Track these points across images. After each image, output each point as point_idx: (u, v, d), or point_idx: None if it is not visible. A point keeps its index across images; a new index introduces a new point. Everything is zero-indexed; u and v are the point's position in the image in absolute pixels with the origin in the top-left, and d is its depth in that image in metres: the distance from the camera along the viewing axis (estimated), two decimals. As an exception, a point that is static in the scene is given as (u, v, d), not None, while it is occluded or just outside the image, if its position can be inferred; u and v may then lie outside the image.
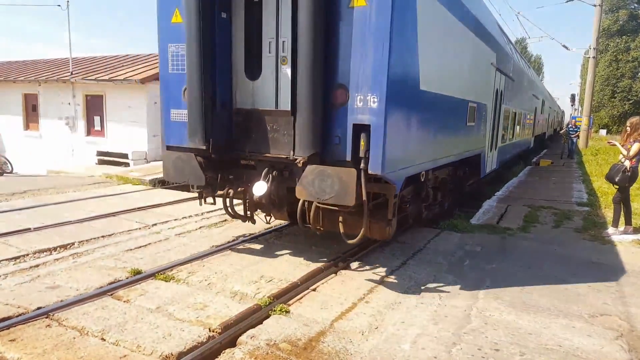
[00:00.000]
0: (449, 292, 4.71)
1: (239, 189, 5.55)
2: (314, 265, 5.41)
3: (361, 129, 4.42)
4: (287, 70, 4.85)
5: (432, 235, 7.00)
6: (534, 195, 10.97)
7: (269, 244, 6.36)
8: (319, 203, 4.73)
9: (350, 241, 4.87)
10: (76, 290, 4.50)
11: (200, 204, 5.87)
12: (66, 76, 16.52)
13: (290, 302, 4.39)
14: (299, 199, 4.81)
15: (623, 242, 6.81)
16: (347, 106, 4.51)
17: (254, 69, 5.13)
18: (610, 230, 7.03)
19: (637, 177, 6.80)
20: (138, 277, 4.87)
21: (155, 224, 7.25)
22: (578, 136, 23.97)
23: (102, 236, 6.45)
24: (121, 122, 15.71)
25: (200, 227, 7.16)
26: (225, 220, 7.69)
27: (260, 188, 4.93)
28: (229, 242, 6.36)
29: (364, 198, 4.37)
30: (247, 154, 5.20)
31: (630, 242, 6.79)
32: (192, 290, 4.59)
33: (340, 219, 4.88)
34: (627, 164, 6.67)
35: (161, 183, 11.93)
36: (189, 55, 4.92)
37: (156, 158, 15.40)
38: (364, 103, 4.40)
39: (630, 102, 37.41)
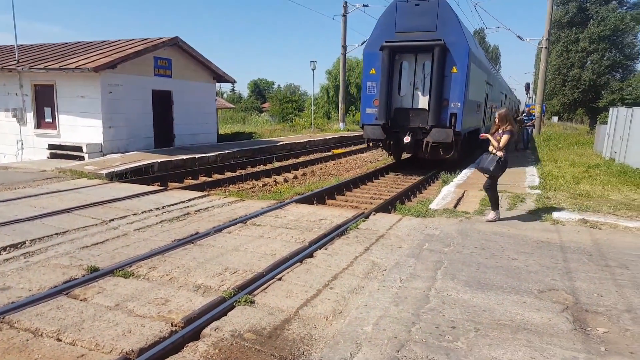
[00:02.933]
0: (409, 274, 4.84)
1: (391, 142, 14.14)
2: (279, 255, 5.43)
3: (453, 115, 12.92)
4: (418, 92, 13.54)
5: (395, 221, 7.16)
6: (490, 179, 11.33)
7: (234, 235, 6.33)
8: (433, 143, 13.01)
9: (446, 157, 13.43)
10: (29, 290, 4.34)
11: (368, 147, 17.48)
12: (12, 65, 15.63)
13: (255, 292, 4.39)
14: (423, 143, 13.21)
15: (570, 221, 7.17)
16: (448, 106, 12.98)
17: (400, 91, 13.75)
18: (491, 215, 7.30)
19: (506, 167, 7.15)
20: (95, 274, 4.74)
21: (112, 220, 7.06)
22: (533, 125, 21.77)
23: (56, 234, 6.23)
24: (74, 113, 15.06)
25: (161, 221, 7.03)
26: (188, 213, 7.59)
27: (407, 138, 13.26)
28: (191, 235, 6.28)
29: (454, 139, 12.78)
30: (400, 126, 13.63)
31: (576, 221, 7.16)
32: (153, 286, 4.52)
33: (440, 150, 13.26)
34: (500, 154, 6.97)
35: (118, 177, 11.60)
36: (380, 87, 13.44)
37: (113, 150, 14.94)
38: (454, 105, 12.90)
39: (580, 90, 39.06)
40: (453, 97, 12.96)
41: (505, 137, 6.93)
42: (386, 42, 13.27)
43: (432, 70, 12.94)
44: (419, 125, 13.43)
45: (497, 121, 7.15)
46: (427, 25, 13.01)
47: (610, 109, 17.21)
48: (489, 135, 7.34)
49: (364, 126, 14.11)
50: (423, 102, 13.54)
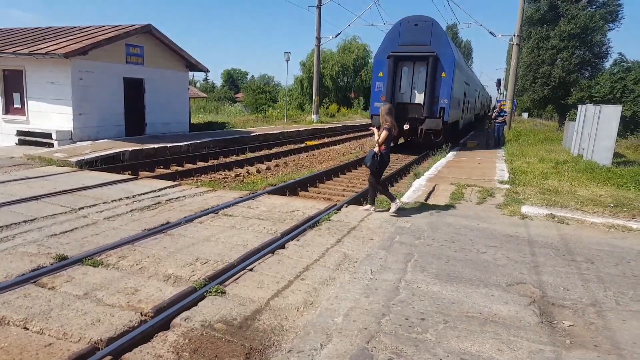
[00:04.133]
0: (380, 266, 4.92)
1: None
2: (250, 246, 5.43)
3: (442, 108, 17.36)
4: (415, 90, 17.87)
5: (366, 214, 7.23)
6: (461, 174, 11.57)
7: (205, 226, 6.29)
8: (426, 129, 17.56)
9: (436, 140, 17.62)
10: (-6, 278, 4.24)
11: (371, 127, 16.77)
12: (-22, 49, 15.06)
13: (227, 282, 4.39)
14: (418, 129, 17.69)
15: (538, 216, 7.39)
16: (438, 102, 17.37)
17: (401, 89, 18.00)
18: (367, 206, 7.58)
19: (386, 162, 7.34)
20: (63, 263, 4.65)
21: (82, 208, 6.92)
22: (505, 122, 20.75)
23: (24, 221, 6.07)
24: (44, 99, 14.63)
25: (131, 210, 6.92)
26: (159, 203, 7.50)
27: (406, 125, 15.95)
28: (162, 224, 6.21)
29: (442, 127, 17.38)
30: (400, 117, 14.47)
31: (544, 216, 7.39)
32: (122, 275, 4.46)
33: (432, 135, 17.70)
34: (376, 149, 7.19)
35: (88, 165, 11.34)
36: (386, 86, 17.72)
37: (83, 138, 14.58)
38: (443, 101, 17.31)
39: (549, 87, 39.92)
40: (442, 95, 17.45)
41: (383, 134, 7.13)
42: (392, 52, 17.63)
43: (427, 74, 17.39)
44: (416, 116, 17.79)
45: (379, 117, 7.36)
46: (423, 40, 17.38)
47: (579, 106, 17.68)
48: (374, 129, 7.53)
49: (372, 116, 18.49)
50: (419, 98, 17.93)
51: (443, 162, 14.17)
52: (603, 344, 3.52)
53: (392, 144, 8.31)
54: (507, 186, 9.82)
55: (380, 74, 18.08)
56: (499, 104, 21.98)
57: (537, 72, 40.56)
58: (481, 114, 41.95)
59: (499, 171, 12.17)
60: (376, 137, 7.27)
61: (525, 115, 56.86)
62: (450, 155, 16.31)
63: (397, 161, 16.25)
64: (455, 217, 7.20)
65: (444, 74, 17.24)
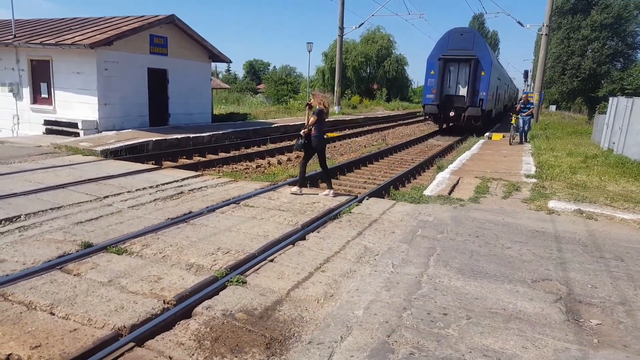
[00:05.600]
0: (402, 260, 4.86)
1: (442, 115, 23.83)
2: (271, 237, 5.43)
3: (481, 100, 22.42)
4: (459, 85, 23.07)
5: (388, 206, 7.16)
6: (486, 167, 11.36)
7: (227, 216, 6.32)
8: (468, 116, 22.60)
9: (476, 124, 22.98)
10: (23, 264, 4.34)
11: (425, 120, 28.87)
12: (8, 39, 15.40)
13: (247, 272, 4.40)
14: (462, 116, 22.76)
15: (565, 212, 7.20)
16: (478, 94, 22.48)
17: (449, 84, 23.23)
18: (294, 189, 7.86)
19: (319, 144, 7.56)
20: (89, 250, 4.74)
21: (107, 196, 7.04)
22: (532, 114, 18.62)
23: (51, 209, 6.21)
24: (70, 89, 14.91)
25: (154, 200, 7.01)
26: (182, 192, 7.57)
27: (452, 112, 22.70)
28: (185, 214, 6.27)
29: (481, 114, 22.47)
30: (447, 106, 22.87)
31: (572, 212, 7.19)
32: (145, 263, 4.52)
33: (472, 120, 22.81)
34: (302, 132, 7.48)
35: (113, 154, 11.53)
36: (436, 82, 23.02)
37: (108, 128, 14.83)
38: (482, 94, 22.37)
39: (579, 79, 38.87)
40: (481, 89, 22.63)
41: (313, 117, 7.43)
42: (442, 55, 22.94)
43: (470, 73, 22.44)
44: (460, 105, 22.86)
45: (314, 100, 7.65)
46: (466, 46, 22.69)
47: (610, 98, 17.13)
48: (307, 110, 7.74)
49: (425, 105, 24.10)
50: (462, 91, 23.08)
51: (468, 154, 13.93)
52: (633, 344, 3.40)
53: (437, 129, 22.26)
54: (533, 180, 9.59)
55: (432, 72, 23.34)
56: (524, 96, 20.83)
57: (567, 64, 39.50)
58: (508, 105, 42.58)
59: (526, 165, 11.90)
60: (307, 119, 7.59)
61: (553, 107, 55.52)
62: (475, 148, 16.02)
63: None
64: (479, 212, 7.07)
65: (482, 73, 22.38)
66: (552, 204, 7.57)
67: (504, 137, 19.73)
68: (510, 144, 17.02)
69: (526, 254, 5.25)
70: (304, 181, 8.12)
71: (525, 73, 45.74)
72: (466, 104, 22.41)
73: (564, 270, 4.80)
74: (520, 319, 3.69)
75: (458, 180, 9.49)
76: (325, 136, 7.80)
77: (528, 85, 50.12)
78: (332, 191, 7.77)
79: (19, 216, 5.80)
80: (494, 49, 73.22)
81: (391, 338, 3.31)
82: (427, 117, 25.23)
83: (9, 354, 2.96)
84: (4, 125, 16.42)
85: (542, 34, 27.75)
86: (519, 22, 28.06)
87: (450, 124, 25.24)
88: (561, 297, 4.17)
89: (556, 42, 39.54)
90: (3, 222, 5.57)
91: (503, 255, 5.16)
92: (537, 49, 44.62)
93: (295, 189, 7.84)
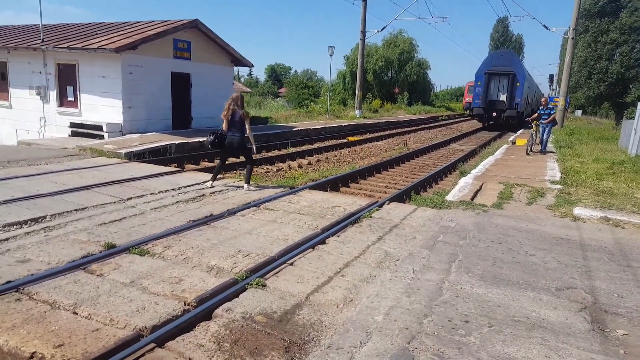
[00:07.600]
0: (423, 266, 4.80)
1: (486, 115, 32.51)
2: (291, 240, 5.43)
3: (517, 104, 30.72)
4: (500, 93, 31.55)
5: (409, 211, 7.09)
6: (509, 173, 11.17)
7: (247, 219, 6.35)
8: (507, 116, 31.00)
9: (512, 122, 31.15)
10: (47, 264, 4.43)
11: (472, 117, 39.25)
12: (37, 44, 15.82)
13: (267, 276, 4.41)
14: (501, 116, 31.23)
15: (591, 219, 7.02)
16: (514, 100, 30.75)
17: (492, 92, 31.80)
18: (245, 186, 8.29)
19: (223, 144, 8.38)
20: (112, 251, 4.81)
21: (130, 198, 7.15)
22: (554, 121, 15.99)
23: (75, 210, 6.33)
24: (95, 92, 15.24)
25: (177, 202, 7.09)
26: (203, 195, 7.64)
27: (494, 113, 31.24)
28: (206, 217, 6.32)
29: (517, 115, 30.73)
30: (490, 108, 31.51)
31: (598, 219, 7.01)
32: (167, 265, 4.57)
33: (510, 120, 31.13)
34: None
35: (137, 157, 11.72)
36: (482, 90, 31.59)
37: (132, 131, 15.09)
38: (518, 100, 30.68)
39: (606, 83, 37.98)
40: (517, 96, 30.17)
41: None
42: (487, 70, 30.74)
43: (508, 84, 30.21)
44: (500, 108, 30.63)
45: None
46: (506, 64, 30.58)
47: (638, 103, 16.69)
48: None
49: (473, 108, 32.85)
50: (502, 97, 30.69)
51: (491, 160, 13.72)
52: (663, 357, 3.28)
53: (480, 126, 31.10)
54: (558, 186, 9.39)
55: (479, 83, 31.31)
56: (543, 100, 16.40)
57: (593, 68, 38.68)
58: (534, 109, 44.32)
59: (550, 171, 11.66)
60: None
61: (578, 112, 54.37)
62: (499, 153, 15.77)
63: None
64: (502, 218, 6.94)
65: (518, 84, 30.06)
66: (577, 210, 7.39)
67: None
68: (528, 154, 15.02)
69: (550, 261, 5.13)
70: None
71: (551, 77, 45.07)
72: (505, 107, 30.44)
73: (589, 279, 4.68)
74: (544, 328, 3.60)
75: (481, 186, 9.35)
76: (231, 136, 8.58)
77: (553, 90, 49.24)
78: (248, 186, 8.33)
79: (45, 217, 5.93)
80: (518, 53, 72.17)
81: (411, 344, 3.27)
82: (474, 116, 34.62)
83: (33, 352, 3.02)
84: (31, 128, 16.87)
85: (568, 38, 27.24)
86: (544, 26, 27.67)
87: (491, 122, 31.94)
88: (586, 306, 4.05)
89: (583, 46, 38.75)
90: (29, 222, 5.71)
91: (526, 263, 5.05)
92: (563, 52, 43.80)
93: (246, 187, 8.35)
